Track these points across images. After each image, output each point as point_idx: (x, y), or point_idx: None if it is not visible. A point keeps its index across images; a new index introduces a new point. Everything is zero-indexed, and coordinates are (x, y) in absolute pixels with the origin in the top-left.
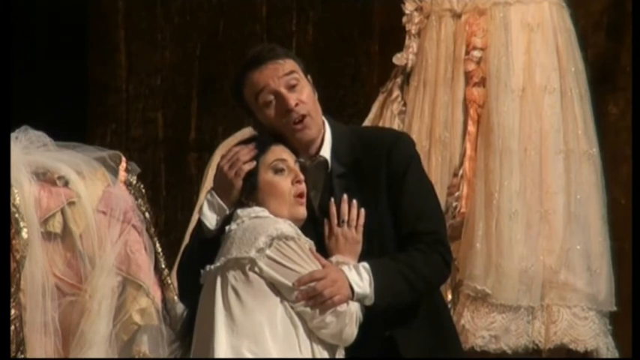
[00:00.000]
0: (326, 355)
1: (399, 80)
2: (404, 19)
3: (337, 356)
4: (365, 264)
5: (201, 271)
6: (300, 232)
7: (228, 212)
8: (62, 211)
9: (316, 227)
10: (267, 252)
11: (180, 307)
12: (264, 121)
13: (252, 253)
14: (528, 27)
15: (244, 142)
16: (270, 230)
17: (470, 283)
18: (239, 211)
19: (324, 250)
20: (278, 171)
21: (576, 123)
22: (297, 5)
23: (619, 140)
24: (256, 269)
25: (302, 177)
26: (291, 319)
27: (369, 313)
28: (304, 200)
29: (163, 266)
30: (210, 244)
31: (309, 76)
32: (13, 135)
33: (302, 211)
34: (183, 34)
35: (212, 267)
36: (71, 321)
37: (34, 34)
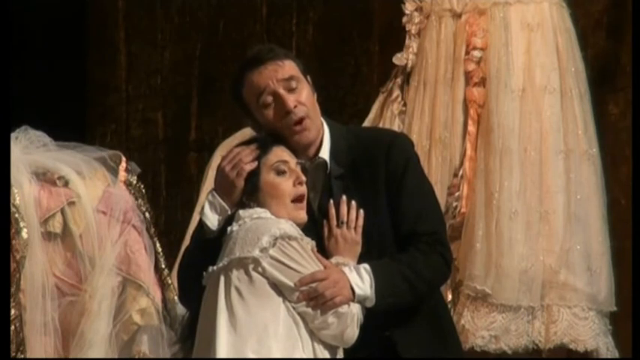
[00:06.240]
0: (327, 355)
1: (399, 80)
2: (404, 19)
3: (338, 356)
4: (366, 265)
5: (204, 272)
6: (301, 232)
7: (229, 213)
8: (62, 211)
9: (316, 228)
10: (271, 252)
11: (180, 308)
12: (262, 122)
13: (256, 253)
14: (528, 27)
15: (245, 142)
16: (273, 230)
17: (470, 283)
18: (241, 212)
19: (323, 251)
20: (280, 172)
21: (576, 123)
22: (297, 5)
23: (619, 140)
24: (259, 269)
25: (303, 179)
26: (294, 319)
27: (369, 314)
28: (304, 204)
29: (163, 266)
30: (211, 244)
31: (308, 77)
32: (13, 135)
33: (302, 215)
34: (183, 34)
35: (215, 268)
36: (71, 321)
37: (33, 34)
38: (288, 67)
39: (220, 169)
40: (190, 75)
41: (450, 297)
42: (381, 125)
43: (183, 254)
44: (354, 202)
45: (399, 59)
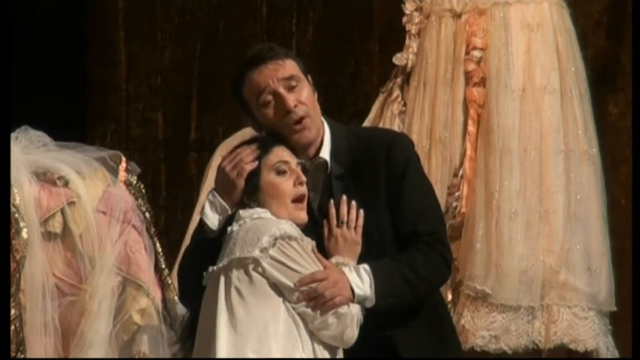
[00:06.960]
0: (327, 355)
1: (399, 80)
2: (404, 19)
3: (338, 356)
4: (365, 266)
5: (204, 273)
6: (301, 232)
7: (230, 212)
8: (62, 211)
9: (316, 229)
10: (271, 252)
11: (180, 308)
12: (263, 121)
13: (256, 253)
14: (528, 27)
15: (245, 142)
16: (273, 230)
17: (470, 283)
18: (241, 212)
19: (323, 251)
20: (280, 172)
21: (576, 123)
22: (297, 5)
23: (619, 140)
24: (259, 269)
25: (304, 179)
26: (294, 320)
27: (369, 314)
28: (304, 205)
29: (163, 266)
30: (211, 244)
31: (309, 76)
32: (13, 135)
33: (302, 216)
34: (183, 34)
35: (215, 268)
36: (71, 321)
37: (33, 34)
38: (289, 67)
39: (221, 169)
40: (190, 75)
41: (450, 297)
42: (381, 125)
43: (183, 254)
44: (354, 202)
45: (399, 59)
